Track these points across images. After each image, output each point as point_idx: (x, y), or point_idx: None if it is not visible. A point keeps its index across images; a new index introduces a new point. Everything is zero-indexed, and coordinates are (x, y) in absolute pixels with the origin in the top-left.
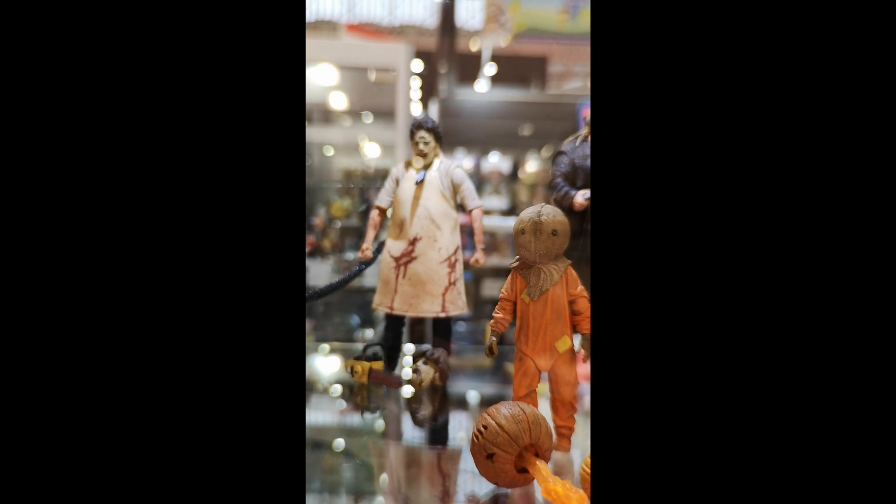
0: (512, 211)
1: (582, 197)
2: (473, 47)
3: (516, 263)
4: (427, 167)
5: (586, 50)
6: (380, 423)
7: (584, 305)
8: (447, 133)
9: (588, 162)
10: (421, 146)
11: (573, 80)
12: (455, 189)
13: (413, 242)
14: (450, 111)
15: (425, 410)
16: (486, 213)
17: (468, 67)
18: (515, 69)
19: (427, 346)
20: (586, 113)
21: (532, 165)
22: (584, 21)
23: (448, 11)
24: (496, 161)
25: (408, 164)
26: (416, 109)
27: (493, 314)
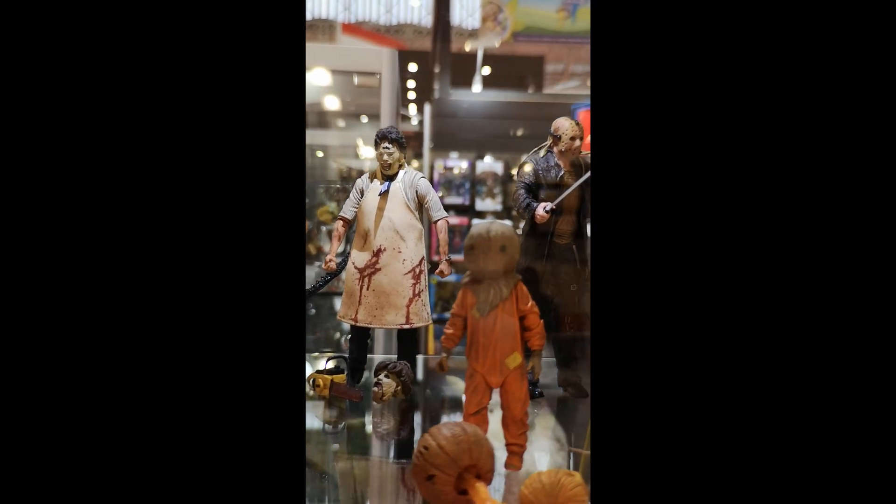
0: (508, 213)
1: (543, 209)
2: (467, 47)
3: (467, 279)
4: (391, 178)
5: (585, 49)
6: (343, 437)
7: (535, 321)
8: (441, 134)
9: (551, 174)
10: (385, 157)
11: (567, 81)
12: (420, 200)
13: (377, 254)
14: (444, 112)
15: (387, 424)
16: (481, 215)
17: (463, 68)
18: (511, 70)
19: (391, 359)
20: (579, 115)
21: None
22: (583, 20)
23: (441, 11)
24: (490, 162)
25: (373, 176)
26: (412, 110)
27: (444, 330)
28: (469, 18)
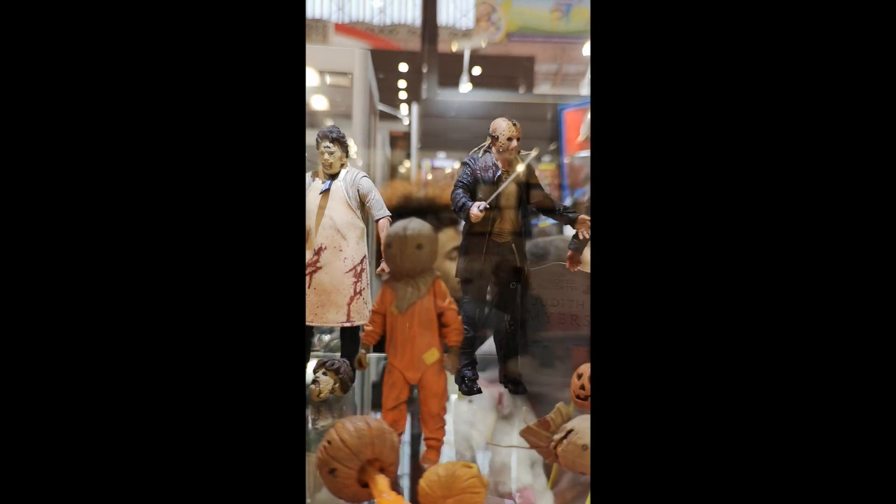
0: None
1: (477, 208)
2: (453, 47)
3: (386, 277)
4: (333, 177)
5: (578, 49)
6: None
7: (452, 318)
8: (428, 134)
9: (489, 174)
10: (326, 156)
11: (543, 84)
12: (362, 199)
13: (318, 252)
14: (431, 112)
15: (324, 421)
16: None
17: (453, 68)
18: (503, 70)
19: (333, 356)
20: (565, 115)
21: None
22: (577, 20)
23: (429, 10)
24: None
25: (315, 174)
26: (403, 111)
27: (364, 327)
28: (463, 18)
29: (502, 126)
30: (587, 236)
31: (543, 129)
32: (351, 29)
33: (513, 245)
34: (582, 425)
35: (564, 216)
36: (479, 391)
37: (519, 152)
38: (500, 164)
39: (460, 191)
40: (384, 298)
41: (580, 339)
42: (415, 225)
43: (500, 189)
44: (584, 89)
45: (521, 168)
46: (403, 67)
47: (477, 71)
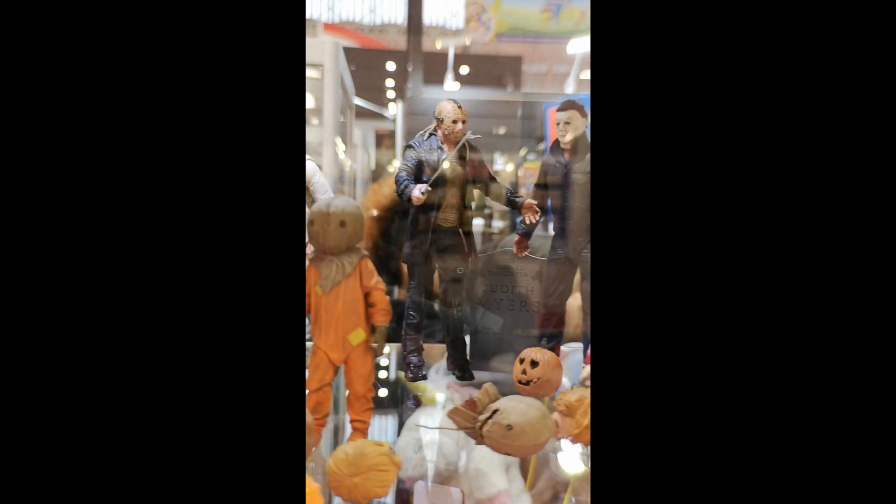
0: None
1: (419, 191)
2: (438, 45)
3: (311, 255)
4: None
5: (563, 49)
6: None
7: (379, 297)
8: (414, 132)
9: (434, 156)
10: None
11: (531, 83)
12: (306, 182)
13: None
14: (415, 110)
15: None
16: None
17: (439, 66)
18: (490, 69)
19: None
20: (550, 113)
21: (499, 164)
22: (567, 20)
23: (415, 7)
24: None
25: None
26: (391, 109)
27: None
28: (453, 19)
29: (447, 108)
30: (534, 221)
31: (531, 128)
32: (340, 28)
33: (459, 230)
34: (508, 405)
35: (511, 201)
36: (425, 377)
37: (464, 135)
38: (445, 148)
39: (404, 174)
40: (308, 278)
41: (530, 325)
42: (339, 201)
43: (439, 170)
44: (569, 88)
45: (452, 155)
46: (391, 66)
47: (465, 70)
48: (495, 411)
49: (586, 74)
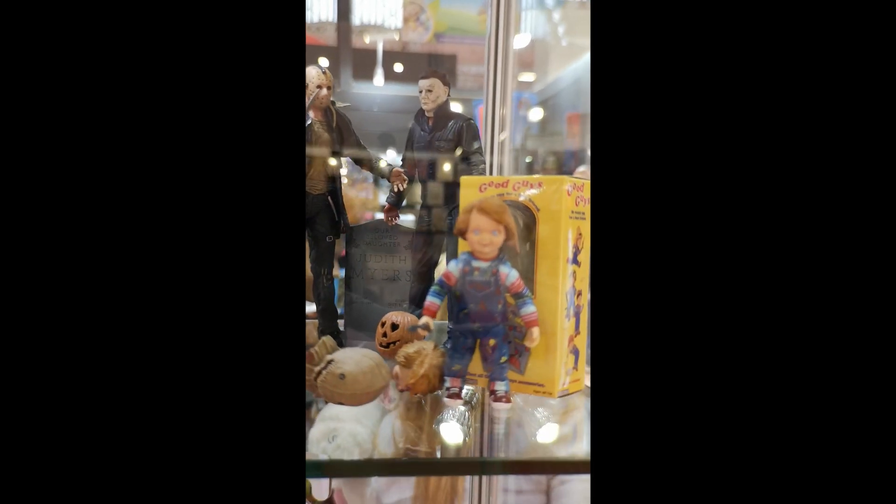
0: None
1: None
2: (366, 40)
3: None
4: None
5: None
6: None
7: None
8: None
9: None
10: None
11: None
12: None
13: None
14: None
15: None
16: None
17: (370, 62)
18: (425, 67)
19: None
20: (481, 110)
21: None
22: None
23: (343, 5)
24: (393, 155)
25: None
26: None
27: None
28: (391, 18)
29: (311, 74)
30: (402, 188)
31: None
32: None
33: (328, 197)
34: (342, 356)
35: (377, 168)
36: None
37: (333, 103)
38: (311, 114)
39: None
40: None
41: (402, 295)
42: None
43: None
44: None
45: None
46: (324, 62)
47: (399, 68)
48: (330, 361)
49: (525, 76)
